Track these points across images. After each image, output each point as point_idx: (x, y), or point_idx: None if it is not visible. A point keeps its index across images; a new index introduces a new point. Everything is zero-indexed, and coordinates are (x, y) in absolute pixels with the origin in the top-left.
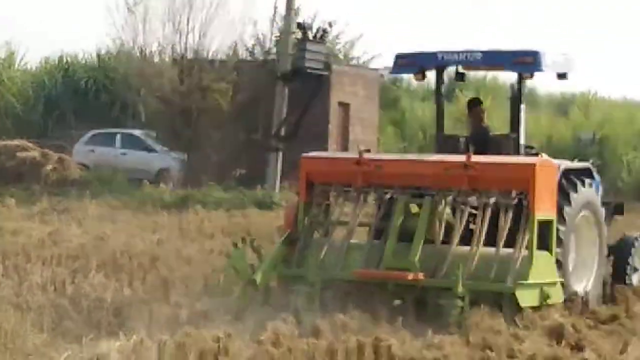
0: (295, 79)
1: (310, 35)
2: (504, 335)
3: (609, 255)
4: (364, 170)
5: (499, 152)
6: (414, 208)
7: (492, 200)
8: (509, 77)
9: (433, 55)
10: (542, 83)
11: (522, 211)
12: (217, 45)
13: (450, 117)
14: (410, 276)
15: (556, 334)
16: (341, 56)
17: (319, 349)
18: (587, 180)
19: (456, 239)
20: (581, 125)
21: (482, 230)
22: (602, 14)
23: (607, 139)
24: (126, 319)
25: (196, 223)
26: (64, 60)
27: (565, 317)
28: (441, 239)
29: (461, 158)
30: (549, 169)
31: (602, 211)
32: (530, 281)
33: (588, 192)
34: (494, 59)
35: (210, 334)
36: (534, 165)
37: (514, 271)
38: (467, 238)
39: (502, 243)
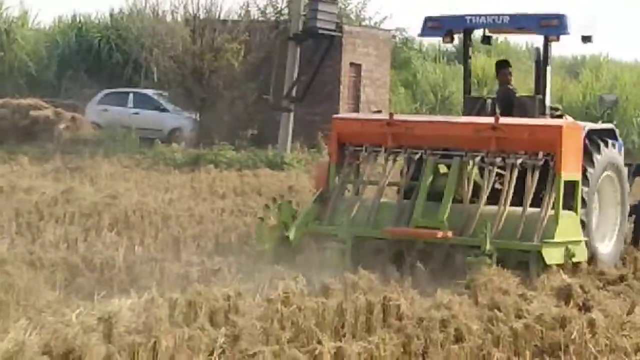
0: (307, 40)
1: None
2: (512, 296)
3: (630, 215)
4: (394, 131)
5: (524, 114)
6: (443, 168)
7: (519, 161)
8: (519, 40)
9: (461, 18)
10: (554, 45)
11: (547, 172)
12: (229, 5)
13: (461, 78)
14: (440, 234)
15: (564, 294)
16: (353, 17)
17: (329, 308)
18: (611, 142)
19: (484, 198)
20: (592, 87)
21: (509, 190)
22: None
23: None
24: (138, 276)
25: (208, 182)
26: (77, 20)
27: (573, 278)
28: (469, 198)
29: (490, 120)
30: (575, 131)
31: (625, 171)
32: (556, 240)
33: (611, 153)
34: (521, 22)
35: (221, 292)
36: (561, 127)
37: (540, 230)
38: (493, 198)
39: (528, 203)
